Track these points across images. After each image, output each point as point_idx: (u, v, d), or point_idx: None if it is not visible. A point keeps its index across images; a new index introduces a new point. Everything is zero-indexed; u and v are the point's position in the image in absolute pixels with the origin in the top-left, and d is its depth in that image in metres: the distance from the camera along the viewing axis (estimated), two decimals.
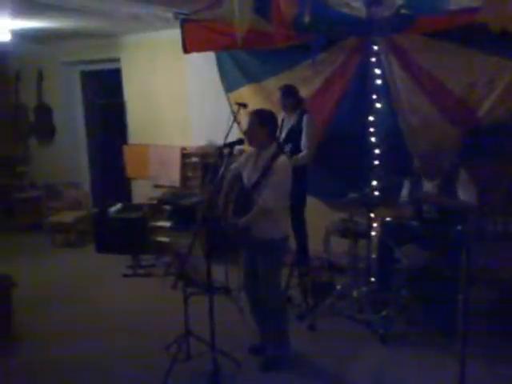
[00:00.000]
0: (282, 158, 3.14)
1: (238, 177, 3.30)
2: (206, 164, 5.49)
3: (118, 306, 4.39)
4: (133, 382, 3.20)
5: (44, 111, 6.87)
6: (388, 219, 3.74)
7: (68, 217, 6.17)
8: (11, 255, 5.61)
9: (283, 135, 4.19)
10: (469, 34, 3.55)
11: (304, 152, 4.07)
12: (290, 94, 4.20)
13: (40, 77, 6.76)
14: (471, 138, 3.94)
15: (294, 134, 4.13)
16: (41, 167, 6.98)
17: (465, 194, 3.55)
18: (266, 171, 3.10)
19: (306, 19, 3.13)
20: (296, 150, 4.09)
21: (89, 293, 4.70)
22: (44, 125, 6.91)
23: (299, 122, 4.16)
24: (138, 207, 5.69)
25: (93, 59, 6.39)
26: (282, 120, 4.24)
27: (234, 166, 3.37)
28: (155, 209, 5.63)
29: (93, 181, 7.08)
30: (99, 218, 5.73)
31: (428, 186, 3.73)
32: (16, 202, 6.71)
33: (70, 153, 6.90)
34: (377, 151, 4.12)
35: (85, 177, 7.03)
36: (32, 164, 7.09)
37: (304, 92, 4.34)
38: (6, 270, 4.18)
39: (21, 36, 5.37)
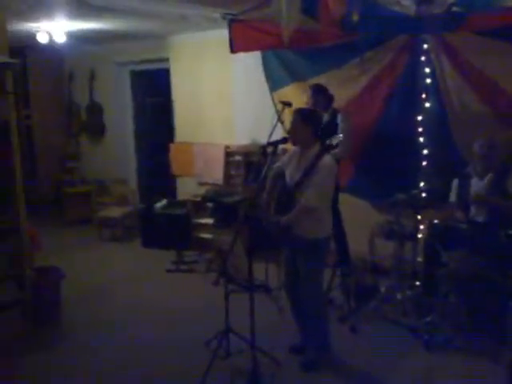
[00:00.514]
0: (327, 157, 3.12)
1: (281, 175, 3.30)
2: (249, 162, 5.53)
3: (160, 299, 4.48)
4: (172, 376, 3.25)
5: (95, 110, 7.13)
6: (436, 221, 3.64)
7: (115, 212, 6.37)
8: (61, 248, 5.83)
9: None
10: None
11: (339, 148, 4.03)
12: (320, 91, 4.21)
13: (92, 77, 7.03)
14: None
15: (328, 131, 4.11)
16: (91, 164, 7.25)
17: None
18: (310, 170, 3.09)
19: (355, 18, 3.09)
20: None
21: (133, 286, 4.83)
22: (95, 123, 7.17)
23: (333, 118, 4.14)
24: (183, 204, 5.80)
25: (143, 59, 6.56)
26: None
27: (277, 164, 3.37)
28: (199, 206, 5.72)
29: (140, 177, 7.27)
30: (145, 213, 5.88)
31: (478, 187, 3.61)
32: (66, 196, 6.99)
33: (118, 150, 7.12)
34: (425, 151, 4.03)
35: (132, 173, 7.23)
36: (82, 160, 7.37)
37: (350, 91, 4.31)
38: (56, 262, 4.36)
39: (75, 37, 5.57)
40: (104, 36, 5.95)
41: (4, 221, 3.97)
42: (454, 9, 3.45)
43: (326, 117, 4.19)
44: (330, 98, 4.23)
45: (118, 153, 7.11)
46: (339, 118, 4.15)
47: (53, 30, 5.07)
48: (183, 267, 5.21)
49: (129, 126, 7.17)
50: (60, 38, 5.15)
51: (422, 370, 3.22)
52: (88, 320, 4.10)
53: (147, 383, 3.22)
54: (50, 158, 7.42)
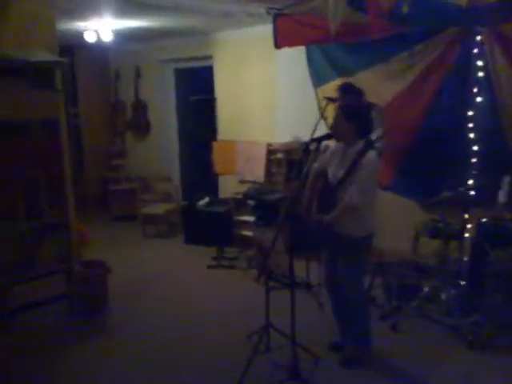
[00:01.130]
0: (371, 154, 3.04)
1: (323, 173, 3.26)
2: (291, 160, 5.49)
3: (201, 294, 4.54)
4: (213, 369, 3.28)
5: (140, 108, 7.29)
6: (483, 220, 3.51)
7: (159, 209, 6.48)
8: (107, 243, 6.00)
9: None
10: None
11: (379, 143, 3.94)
12: (349, 90, 4.12)
13: (137, 74, 7.18)
14: None
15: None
16: (135, 161, 7.41)
17: None
18: (353, 167, 3.03)
19: (405, 9, 3.00)
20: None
21: (175, 281, 4.91)
22: (140, 121, 7.33)
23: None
24: (224, 201, 5.85)
25: (186, 57, 6.65)
26: None
27: (318, 162, 3.31)
28: (240, 204, 5.75)
29: (183, 175, 7.38)
30: (188, 210, 5.97)
31: None
32: (112, 193, 7.18)
33: (162, 148, 7.26)
34: (475, 148, 3.88)
35: (176, 171, 7.35)
36: (128, 158, 7.55)
37: (398, 85, 4.19)
38: (103, 257, 4.47)
39: (120, 35, 5.71)
40: (149, 34, 6.08)
41: (54, 216, 4.11)
42: None
43: None
44: (359, 95, 4.16)
45: (161, 150, 7.24)
46: (373, 113, 4.07)
47: (100, 28, 5.22)
48: (224, 263, 5.25)
49: (173, 123, 7.28)
50: (107, 37, 5.28)
51: (464, 370, 3.14)
52: (132, 313, 4.18)
53: (190, 375, 3.24)
54: (97, 156, 7.64)
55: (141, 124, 7.34)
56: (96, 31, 5.28)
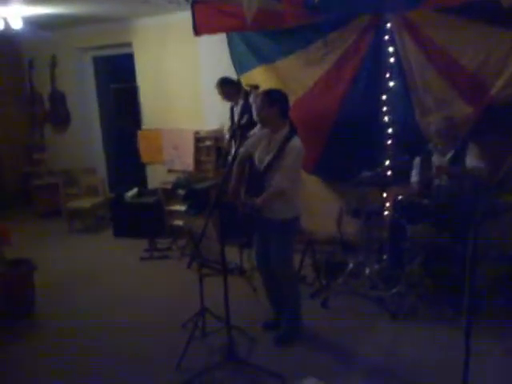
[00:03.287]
0: (295, 140, 3.13)
1: (249, 158, 3.32)
2: (220, 147, 5.52)
3: (134, 287, 4.48)
4: (150, 359, 3.28)
5: (58, 98, 6.93)
6: (400, 198, 3.76)
7: (85, 202, 6.26)
8: (31, 241, 5.73)
9: (236, 119, 4.53)
10: (483, 9, 3.48)
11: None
12: (227, 82, 4.51)
13: (53, 64, 6.81)
14: (484, 114, 3.87)
15: (246, 113, 4.31)
16: (57, 154, 7.07)
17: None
18: (279, 153, 3.11)
19: None
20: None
21: (106, 276, 4.80)
22: (59, 112, 6.97)
23: (245, 101, 4.40)
24: (154, 192, 5.77)
25: (105, 44, 6.41)
26: (232, 109, 4.63)
27: (244, 147, 3.36)
28: (170, 193, 5.70)
29: (108, 166, 7.17)
30: (116, 203, 5.85)
31: (440, 163, 3.74)
32: (34, 189, 6.82)
33: (85, 139, 6.98)
34: (390, 130, 4.11)
35: (100, 162, 7.11)
36: (48, 151, 7.18)
37: (317, 71, 4.33)
38: (27, 256, 4.25)
39: (33, 23, 5.39)
40: (63, 21, 5.78)
41: None
42: None
43: (240, 103, 4.45)
44: (237, 86, 4.50)
45: (84, 142, 6.98)
46: (251, 98, 4.31)
47: (8, 15, 4.89)
48: (157, 254, 5.20)
49: (94, 113, 7.03)
50: (16, 24, 4.98)
51: (389, 340, 3.35)
52: (62, 310, 4.06)
53: (125, 366, 3.22)
54: (15, 150, 7.21)
55: (60, 115, 6.99)
56: (4, 18, 4.95)
